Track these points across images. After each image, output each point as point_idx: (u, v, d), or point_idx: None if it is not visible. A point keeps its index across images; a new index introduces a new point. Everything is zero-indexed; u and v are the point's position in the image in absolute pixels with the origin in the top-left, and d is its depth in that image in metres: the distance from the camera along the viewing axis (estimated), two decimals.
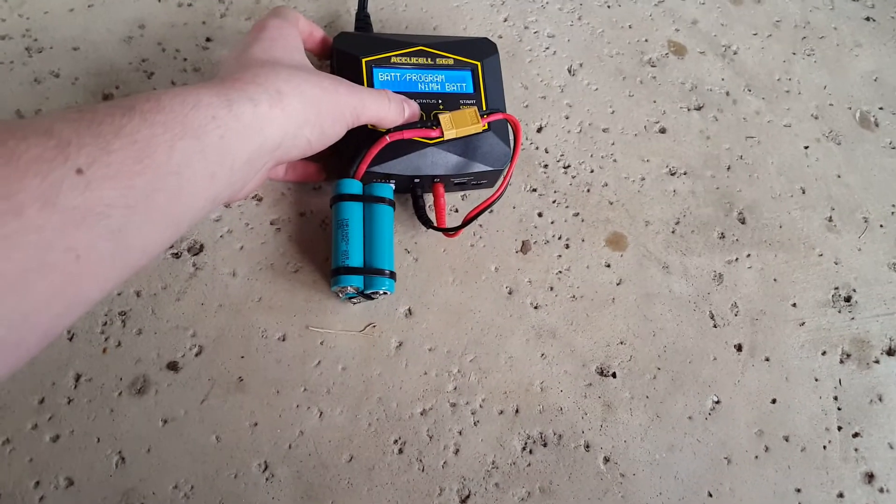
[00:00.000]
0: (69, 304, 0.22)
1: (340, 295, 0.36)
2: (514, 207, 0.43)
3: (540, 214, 0.43)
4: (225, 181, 0.27)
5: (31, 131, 0.21)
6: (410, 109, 0.37)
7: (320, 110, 0.31)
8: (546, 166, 0.44)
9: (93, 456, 0.33)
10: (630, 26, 0.51)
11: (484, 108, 0.40)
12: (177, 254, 0.38)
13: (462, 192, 0.43)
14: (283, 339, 0.37)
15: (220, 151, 0.26)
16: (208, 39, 0.44)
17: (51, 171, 0.20)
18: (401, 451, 0.36)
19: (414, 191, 0.39)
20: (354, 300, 0.37)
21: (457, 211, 0.42)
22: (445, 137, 0.36)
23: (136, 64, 0.43)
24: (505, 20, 0.49)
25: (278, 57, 0.32)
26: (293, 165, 0.39)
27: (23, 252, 0.19)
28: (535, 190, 0.44)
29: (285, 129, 0.29)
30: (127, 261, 0.23)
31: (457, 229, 0.38)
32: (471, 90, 0.40)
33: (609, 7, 0.51)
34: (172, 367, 0.35)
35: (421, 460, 0.36)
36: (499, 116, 0.37)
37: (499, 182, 0.39)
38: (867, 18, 0.57)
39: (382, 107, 0.34)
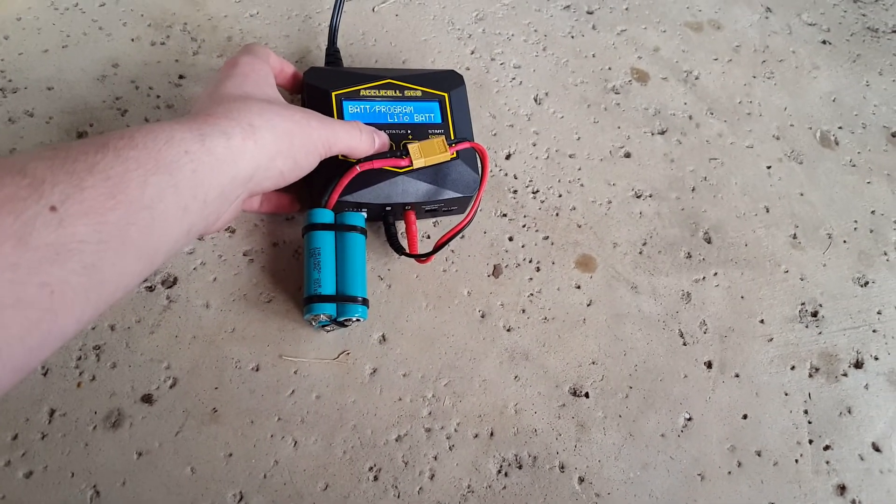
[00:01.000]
0: (43, 338, 0.22)
1: (313, 323, 0.38)
2: (484, 232, 0.45)
3: (510, 238, 0.45)
4: (198, 214, 0.28)
5: (5, 171, 0.22)
6: (381, 140, 0.39)
7: (293, 142, 0.33)
8: (515, 192, 0.46)
9: (67, 491, 0.33)
10: (594, 55, 0.54)
11: (452, 138, 0.42)
12: (150, 287, 0.39)
13: (433, 219, 0.44)
14: (257, 370, 0.38)
15: (192, 185, 0.27)
16: (181, 77, 0.46)
17: (25, 209, 0.21)
18: (376, 478, 0.37)
19: (386, 218, 0.41)
20: (328, 328, 0.39)
21: (429, 237, 0.44)
22: (415, 166, 0.38)
23: (109, 102, 0.44)
24: (472, 52, 0.52)
25: (250, 92, 0.34)
26: (267, 197, 0.41)
27: None
28: (505, 215, 0.45)
29: (258, 162, 0.31)
30: (102, 294, 0.24)
31: (429, 255, 0.40)
32: (439, 120, 0.42)
33: (573, 37, 0.54)
34: (147, 399, 0.36)
35: (396, 487, 0.37)
36: (466, 145, 0.39)
37: (469, 208, 0.41)
38: (824, 42, 0.60)
39: (353, 138, 0.36)
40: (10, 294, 0.21)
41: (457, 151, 0.40)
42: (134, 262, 0.25)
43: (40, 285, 0.21)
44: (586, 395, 0.41)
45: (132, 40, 0.47)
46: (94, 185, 0.23)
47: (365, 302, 0.37)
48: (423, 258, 0.41)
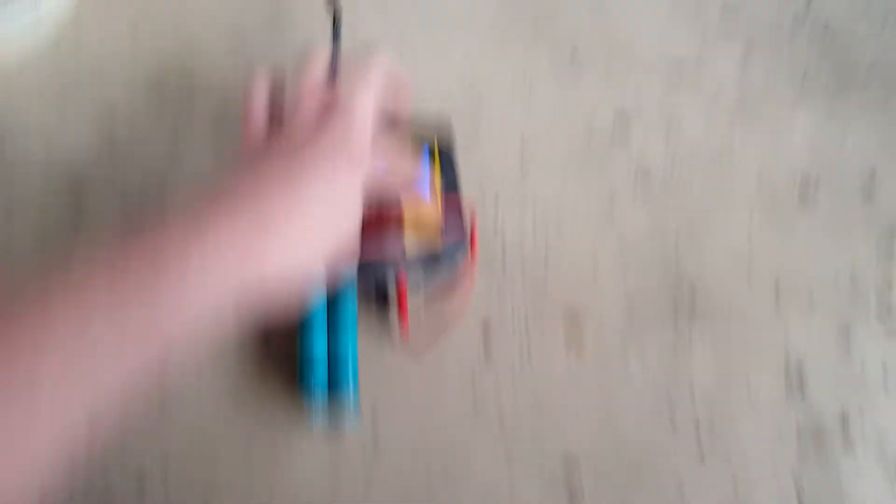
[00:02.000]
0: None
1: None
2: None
3: (498, 311, 0.45)
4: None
5: None
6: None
7: None
8: (503, 258, 0.47)
9: None
10: (578, 103, 0.54)
11: (437, 182, 0.42)
12: None
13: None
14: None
15: None
16: None
17: None
18: None
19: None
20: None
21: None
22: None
23: None
24: (457, 98, 0.51)
25: None
26: None
27: None
28: (491, 284, 0.46)
29: None
30: None
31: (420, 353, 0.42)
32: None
33: (558, 84, 0.54)
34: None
35: None
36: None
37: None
38: (802, 88, 0.60)
39: None
40: None
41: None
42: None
43: None
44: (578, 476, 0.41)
45: None
46: None
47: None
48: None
